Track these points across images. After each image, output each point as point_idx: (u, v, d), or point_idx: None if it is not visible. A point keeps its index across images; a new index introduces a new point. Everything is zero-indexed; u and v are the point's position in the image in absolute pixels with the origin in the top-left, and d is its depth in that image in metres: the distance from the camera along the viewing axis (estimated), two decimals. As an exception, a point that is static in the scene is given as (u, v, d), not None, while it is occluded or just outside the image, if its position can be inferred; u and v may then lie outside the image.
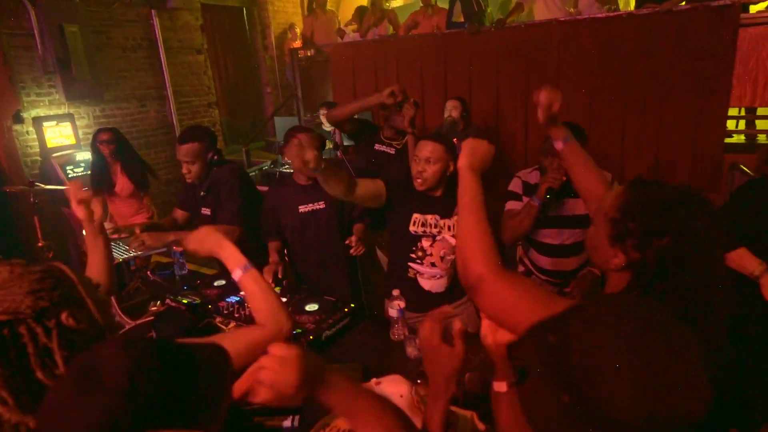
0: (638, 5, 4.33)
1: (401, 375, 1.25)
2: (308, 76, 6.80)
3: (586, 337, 0.63)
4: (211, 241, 1.42)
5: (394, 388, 1.14)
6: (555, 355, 0.64)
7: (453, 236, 2.13)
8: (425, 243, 2.12)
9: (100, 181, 3.79)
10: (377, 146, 3.19)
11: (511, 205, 2.30)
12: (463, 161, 1.19)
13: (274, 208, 2.55)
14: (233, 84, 7.67)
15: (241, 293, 2.17)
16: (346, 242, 2.28)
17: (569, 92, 4.35)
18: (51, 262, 1.04)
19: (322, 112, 4.96)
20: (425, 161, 2.05)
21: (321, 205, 2.49)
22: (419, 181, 2.07)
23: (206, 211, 2.59)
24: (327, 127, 4.90)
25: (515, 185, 2.34)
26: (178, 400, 0.66)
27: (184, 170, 2.47)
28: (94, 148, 3.76)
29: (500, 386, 1.05)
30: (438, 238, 2.11)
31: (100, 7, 5.47)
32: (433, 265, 2.12)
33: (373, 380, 1.22)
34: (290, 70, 7.08)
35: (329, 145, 4.62)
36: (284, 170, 4.89)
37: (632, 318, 0.64)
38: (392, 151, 3.18)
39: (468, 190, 1.15)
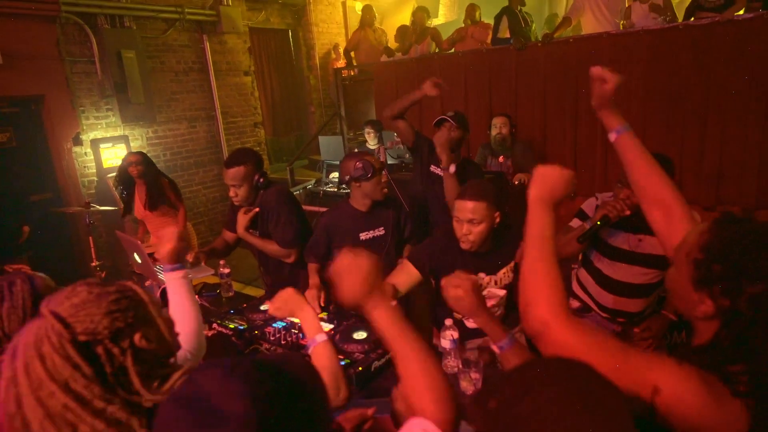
0: (688, 16, 4.13)
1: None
2: (352, 95, 6.86)
3: (518, 402, 0.67)
4: (293, 303, 1.49)
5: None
6: (494, 420, 0.68)
7: (500, 288, 2.06)
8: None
9: (131, 201, 3.96)
10: (433, 168, 2.96)
11: (574, 222, 2.14)
12: (533, 192, 1.09)
13: (330, 232, 2.45)
14: (278, 104, 7.83)
15: (288, 318, 2.14)
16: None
17: (622, 107, 4.16)
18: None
19: (367, 130, 4.98)
20: (469, 223, 1.94)
21: (381, 231, 2.46)
22: (465, 245, 1.97)
23: (253, 233, 2.58)
24: (371, 145, 4.90)
25: (588, 205, 2.17)
26: (299, 416, 0.64)
27: (232, 193, 2.47)
28: (124, 171, 3.90)
29: (495, 347, 1.27)
30: (483, 293, 2.01)
31: (155, 33, 5.72)
32: None
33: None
34: (334, 89, 7.17)
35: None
36: (328, 189, 4.90)
37: (561, 385, 0.68)
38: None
39: (536, 223, 1.05)
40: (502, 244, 2.05)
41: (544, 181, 1.10)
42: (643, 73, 3.98)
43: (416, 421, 0.97)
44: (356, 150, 5.14)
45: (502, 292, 2.04)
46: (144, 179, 3.86)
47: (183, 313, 1.36)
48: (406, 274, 2.05)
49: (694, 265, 0.88)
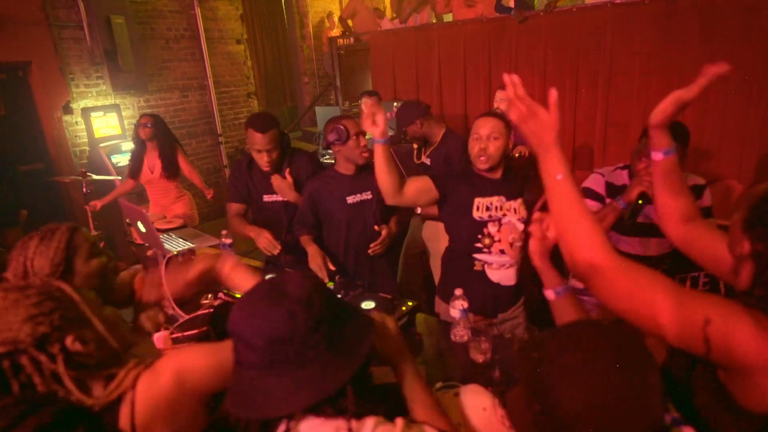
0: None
1: (480, 383, 1.17)
2: (347, 65, 6.73)
3: (558, 357, 0.75)
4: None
5: (476, 400, 1.07)
6: (534, 369, 0.76)
7: (519, 220, 2.01)
8: (492, 229, 1.99)
9: (138, 165, 3.87)
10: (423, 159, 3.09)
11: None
12: (531, 142, 1.08)
13: (315, 199, 2.42)
14: (271, 74, 7.67)
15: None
16: (378, 228, 2.28)
17: (624, 80, 4.16)
18: (52, 279, 0.98)
19: (364, 100, 4.90)
20: (487, 138, 1.94)
21: (368, 195, 2.39)
22: (483, 158, 1.94)
23: (271, 197, 2.49)
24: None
25: (596, 183, 2.11)
26: (338, 323, 0.82)
27: (265, 159, 2.34)
28: (135, 133, 3.87)
29: (549, 294, 1.19)
30: (504, 221, 1.99)
31: (145, -2, 5.53)
32: (502, 252, 1.98)
33: (452, 390, 1.15)
34: (329, 59, 7.03)
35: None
36: (325, 161, 4.85)
37: (599, 345, 0.75)
38: (429, 162, 3.11)
39: (558, 167, 1.03)
40: (511, 178, 2.07)
41: (528, 130, 1.08)
42: (648, 44, 3.93)
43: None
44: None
45: (521, 226, 2.01)
46: (156, 141, 3.78)
47: None
48: (423, 182, 2.00)
49: (747, 209, 0.92)
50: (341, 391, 0.78)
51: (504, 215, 1.99)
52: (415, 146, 3.30)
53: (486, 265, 2.02)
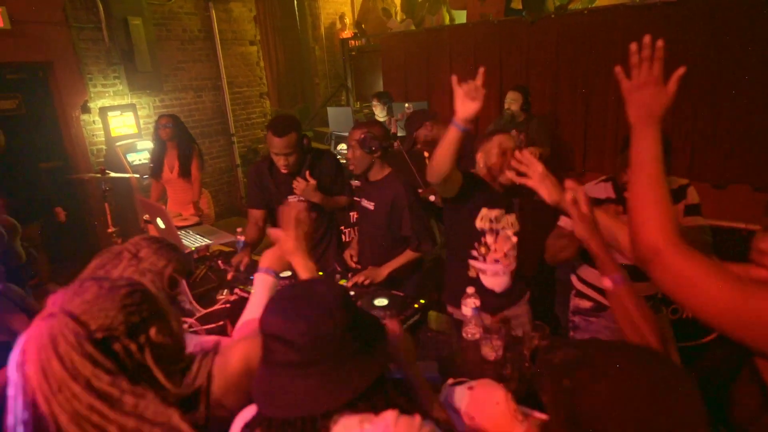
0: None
1: (492, 379, 1.21)
2: (358, 67, 6.79)
3: (593, 385, 0.71)
4: (287, 251, 1.42)
5: (489, 394, 1.11)
6: (567, 398, 0.73)
7: (514, 233, 2.06)
8: (489, 239, 2.05)
9: (159, 165, 3.97)
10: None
11: (564, 221, 2.02)
12: (631, 114, 1.03)
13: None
14: (283, 75, 7.75)
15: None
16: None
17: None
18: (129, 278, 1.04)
19: (374, 103, 4.95)
20: (512, 153, 1.94)
21: (371, 205, 2.37)
22: (512, 174, 1.95)
23: (295, 198, 2.51)
24: (380, 117, 4.88)
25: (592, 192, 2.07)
26: (364, 323, 0.87)
27: (283, 162, 2.37)
28: (156, 133, 3.96)
29: (606, 282, 1.11)
30: (501, 233, 2.04)
31: (161, 0, 5.62)
32: (496, 261, 2.05)
33: (466, 384, 1.19)
34: (340, 60, 7.09)
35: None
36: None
37: (636, 371, 0.72)
38: None
39: (641, 145, 0.99)
40: (511, 193, 2.11)
41: (640, 98, 1.03)
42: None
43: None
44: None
45: (515, 238, 2.06)
46: (175, 141, 3.87)
47: (260, 302, 1.38)
48: (461, 178, 1.97)
49: None
50: (373, 387, 0.82)
51: (502, 228, 2.04)
52: (426, 154, 3.24)
53: (480, 272, 2.07)
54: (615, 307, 1.11)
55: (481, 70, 1.36)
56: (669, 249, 0.90)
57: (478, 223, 2.04)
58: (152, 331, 0.86)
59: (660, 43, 1.03)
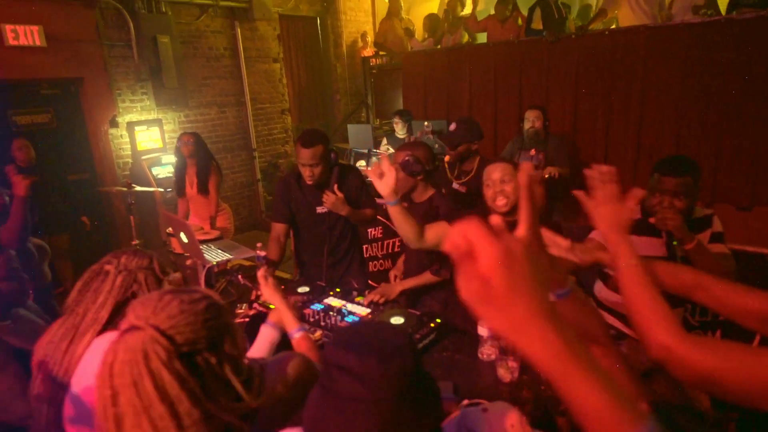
0: (730, 9, 4.04)
1: (507, 402, 1.21)
2: (379, 84, 6.87)
3: None
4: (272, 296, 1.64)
5: (503, 417, 1.10)
6: None
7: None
8: None
9: (182, 181, 4.08)
10: (453, 185, 3.03)
11: (596, 234, 1.97)
12: (601, 228, 1.09)
13: None
14: (305, 91, 7.89)
15: (325, 301, 2.21)
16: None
17: (658, 103, 4.14)
18: (204, 288, 1.07)
19: (395, 120, 5.00)
20: (500, 182, 1.99)
21: (380, 232, 2.45)
22: (502, 200, 1.99)
23: (323, 209, 2.56)
24: (400, 134, 4.93)
25: None
26: (425, 376, 0.84)
27: (308, 173, 2.42)
28: (177, 150, 4.08)
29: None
30: None
31: (189, 18, 5.81)
32: None
33: (480, 406, 1.19)
34: (361, 78, 7.20)
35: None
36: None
37: None
38: (464, 189, 3.03)
39: (619, 256, 1.04)
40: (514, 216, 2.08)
41: (604, 214, 1.10)
42: (681, 68, 3.92)
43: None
44: (384, 139, 5.17)
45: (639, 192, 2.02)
46: (194, 159, 3.99)
47: (260, 350, 1.53)
48: (442, 229, 2.02)
49: None
50: None
51: None
52: (447, 160, 3.18)
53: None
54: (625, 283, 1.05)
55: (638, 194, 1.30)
56: (677, 345, 0.92)
57: None
58: (227, 344, 0.87)
59: (613, 168, 1.14)
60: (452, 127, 3.02)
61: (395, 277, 2.58)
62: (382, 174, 1.79)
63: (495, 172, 2.03)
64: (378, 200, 2.59)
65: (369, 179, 2.20)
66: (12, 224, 2.42)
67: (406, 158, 2.24)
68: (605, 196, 1.12)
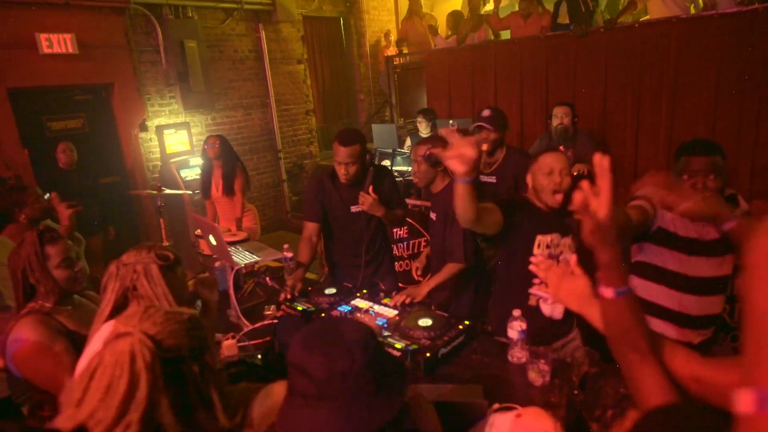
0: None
1: (541, 408, 1.18)
2: (403, 83, 6.85)
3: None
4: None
5: (536, 422, 1.08)
6: None
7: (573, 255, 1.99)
8: (533, 267, 1.98)
9: (208, 183, 4.13)
10: (481, 177, 2.98)
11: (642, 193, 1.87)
12: (571, 303, 1.11)
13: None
14: (329, 92, 7.93)
15: (353, 302, 2.21)
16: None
17: (691, 98, 4.02)
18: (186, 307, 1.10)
19: (419, 119, 4.97)
20: (559, 173, 1.91)
21: (434, 215, 2.45)
22: (560, 196, 1.91)
23: (357, 208, 2.56)
24: (424, 134, 4.89)
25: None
26: (384, 367, 0.88)
27: (342, 171, 2.45)
28: (203, 153, 4.15)
29: (608, 292, 0.96)
30: (561, 258, 1.98)
31: (215, 22, 5.90)
32: None
33: (514, 412, 1.16)
34: (384, 77, 7.18)
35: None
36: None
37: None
38: (494, 179, 2.98)
39: (611, 320, 0.98)
40: (563, 214, 2.01)
41: (565, 290, 1.15)
42: (715, 61, 3.79)
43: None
44: (408, 139, 5.15)
45: (575, 257, 1.99)
46: (220, 161, 4.04)
47: None
48: (496, 215, 1.94)
49: None
50: (384, 429, 0.84)
51: (561, 252, 1.98)
52: (485, 148, 3.03)
53: (540, 300, 2.01)
54: (608, 316, 1.00)
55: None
56: (705, 371, 0.90)
57: (536, 251, 1.98)
58: (208, 357, 0.91)
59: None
60: (486, 113, 2.97)
61: (416, 269, 2.63)
62: (462, 153, 1.62)
63: (556, 162, 1.93)
64: (408, 200, 2.59)
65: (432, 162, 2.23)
66: None
67: (428, 151, 2.29)
68: (558, 277, 1.19)
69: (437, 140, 2.33)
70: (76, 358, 1.46)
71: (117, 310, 1.34)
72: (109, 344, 0.85)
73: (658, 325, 1.89)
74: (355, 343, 0.85)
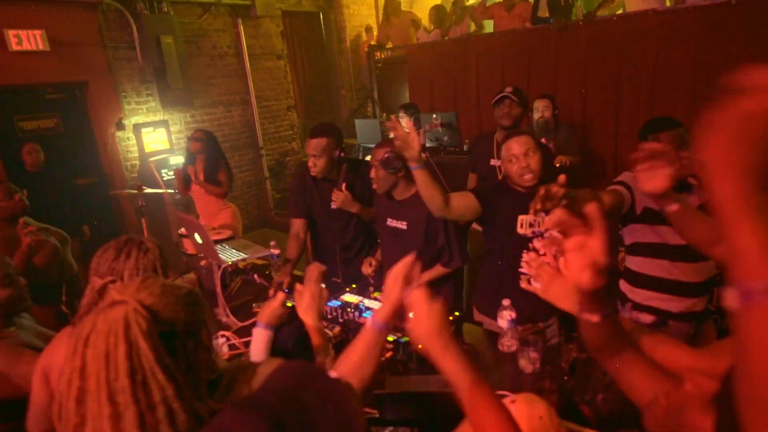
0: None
1: (531, 392, 1.19)
2: (384, 78, 6.83)
3: None
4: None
5: (531, 408, 1.09)
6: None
7: (560, 231, 2.01)
8: (537, 243, 2.00)
9: (186, 176, 3.98)
10: (493, 161, 3.00)
11: (625, 176, 2.00)
12: (564, 305, 1.12)
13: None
14: (310, 87, 7.86)
15: (342, 297, 2.19)
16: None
17: (668, 89, 4.09)
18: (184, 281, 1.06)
19: (401, 114, 4.96)
20: (524, 156, 1.94)
21: (403, 224, 2.28)
22: (528, 176, 1.95)
23: (336, 205, 2.54)
24: (406, 129, 4.89)
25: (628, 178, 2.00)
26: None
27: (310, 163, 2.45)
28: (187, 146, 4.05)
29: (593, 317, 0.91)
30: (546, 235, 2.00)
31: (192, 18, 5.79)
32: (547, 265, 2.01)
33: (508, 398, 1.17)
34: (366, 72, 7.16)
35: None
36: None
37: None
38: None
39: (595, 337, 0.93)
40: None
41: (553, 293, 1.18)
42: (693, 53, 3.86)
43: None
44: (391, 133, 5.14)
45: (560, 236, 2.00)
46: (203, 155, 3.94)
47: (258, 353, 1.52)
48: (468, 199, 1.99)
49: None
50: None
51: (546, 229, 1.99)
52: (506, 124, 3.13)
53: (531, 279, 2.01)
54: (590, 334, 0.95)
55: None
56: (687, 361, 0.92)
57: (520, 231, 2.00)
58: (203, 334, 0.88)
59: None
60: (509, 88, 3.02)
61: (370, 264, 2.45)
62: (407, 138, 1.73)
63: (516, 146, 1.97)
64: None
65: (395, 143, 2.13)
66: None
67: (386, 155, 2.10)
68: (549, 274, 1.20)
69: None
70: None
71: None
72: (102, 312, 0.79)
73: (665, 300, 1.98)
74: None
